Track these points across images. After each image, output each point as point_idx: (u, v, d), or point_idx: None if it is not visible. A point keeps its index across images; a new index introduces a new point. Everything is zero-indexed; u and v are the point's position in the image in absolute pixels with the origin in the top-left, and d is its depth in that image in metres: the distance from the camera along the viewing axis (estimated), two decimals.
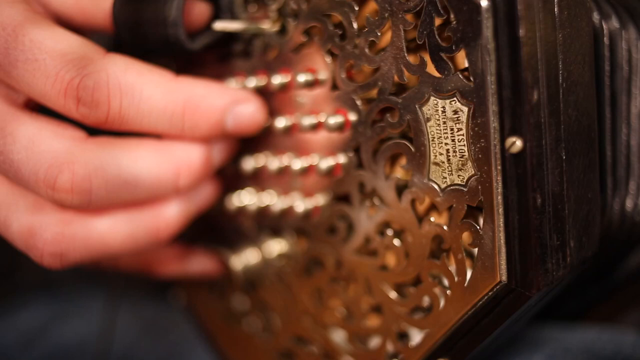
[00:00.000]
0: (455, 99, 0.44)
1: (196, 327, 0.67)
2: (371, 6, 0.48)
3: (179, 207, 0.52)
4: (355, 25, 0.48)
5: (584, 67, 0.46)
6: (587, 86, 0.46)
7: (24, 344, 0.75)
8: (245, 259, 0.56)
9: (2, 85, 0.50)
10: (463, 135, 0.44)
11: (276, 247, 0.56)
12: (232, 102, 0.50)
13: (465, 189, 0.45)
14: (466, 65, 0.44)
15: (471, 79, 0.43)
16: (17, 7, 0.49)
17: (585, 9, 0.46)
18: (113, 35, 0.55)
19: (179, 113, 0.49)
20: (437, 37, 0.44)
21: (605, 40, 0.51)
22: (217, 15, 0.53)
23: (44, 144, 0.48)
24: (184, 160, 0.50)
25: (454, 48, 0.43)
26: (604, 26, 0.51)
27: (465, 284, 0.46)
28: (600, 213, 0.50)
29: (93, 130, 0.49)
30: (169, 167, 0.50)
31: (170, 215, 0.52)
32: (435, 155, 0.46)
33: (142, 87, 0.48)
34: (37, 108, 0.51)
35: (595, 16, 0.51)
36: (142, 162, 0.49)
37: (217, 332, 0.64)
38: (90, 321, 0.74)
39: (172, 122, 0.50)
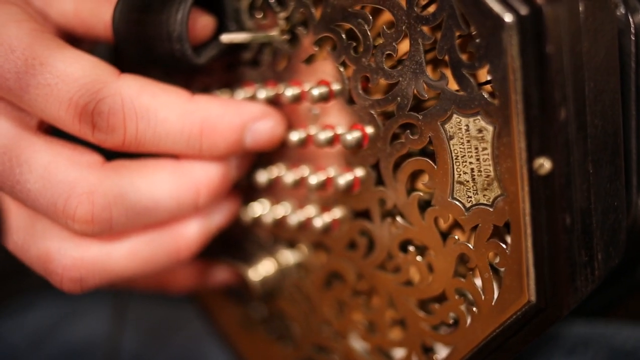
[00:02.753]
0: (479, 117, 0.42)
1: (212, 329, 0.66)
2: (386, 16, 0.46)
3: (199, 226, 0.51)
4: (370, 38, 0.46)
5: (609, 72, 0.44)
6: (613, 92, 0.45)
7: (32, 344, 0.74)
8: (263, 271, 0.55)
9: (14, 108, 0.48)
10: (488, 154, 0.43)
11: (293, 258, 0.55)
12: (250, 119, 0.49)
13: (491, 209, 0.43)
14: (488, 78, 0.42)
15: (495, 96, 0.41)
16: (24, 27, 0.47)
17: (608, 10, 0.44)
18: (114, 48, 0.53)
19: (196, 134, 0.48)
20: (458, 52, 0.42)
21: (632, 36, 0.49)
22: (222, 25, 0.51)
23: (60, 173, 0.47)
24: (202, 179, 0.49)
25: (476, 65, 0.41)
26: (631, 21, 0.49)
27: (493, 303, 0.45)
28: (626, 214, 0.49)
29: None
30: (188, 188, 0.49)
31: (191, 234, 0.51)
32: (459, 174, 0.44)
33: (157, 109, 0.47)
34: (49, 129, 0.50)
35: (621, 10, 0.48)
36: (162, 185, 0.48)
37: (235, 337, 0.64)
38: (99, 321, 0.74)
39: (190, 143, 0.48)
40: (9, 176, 0.47)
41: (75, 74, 0.46)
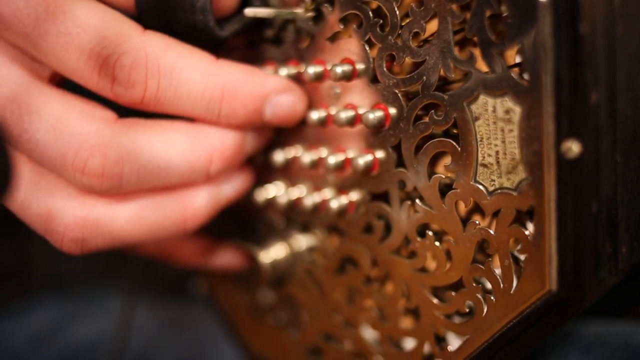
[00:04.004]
0: (506, 98, 0.41)
1: (218, 318, 0.65)
2: None
3: (208, 196, 0.49)
4: (398, 15, 0.45)
5: None
6: None
7: (35, 344, 0.72)
8: (274, 254, 0.54)
9: (27, 58, 0.47)
10: (514, 136, 0.41)
11: (306, 242, 0.54)
12: (273, 90, 0.48)
13: (515, 193, 0.42)
14: (517, 61, 0.41)
15: (525, 77, 0.40)
16: None
17: None
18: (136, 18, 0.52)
19: (217, 98, 0.47)
20: (488, 32, 0.41)
21: None
22: (246, 2, 0.50)
23: (72, 125, 0.45)
24: (217, 145, 0.48)
25: (507, 44, 0.40)
26: None
27: (512, 291, 0.44)
28: None
29: (121, 108, 0.47)
30: (202, 152, 0.48)
31: (199, 204, 0.49)
32: (484, 157, 0.43)
33: (182, 69, 0.46)
34: (61, 83, 0.48)
35: None
36: (176, 146, 0.47)
37: (241, 324, 0.62)
38: (103, 320, 0.72)
39: (209, 107, 0.47)
40: (17, 125, 0.45)
41: (98, 25, 0.45)
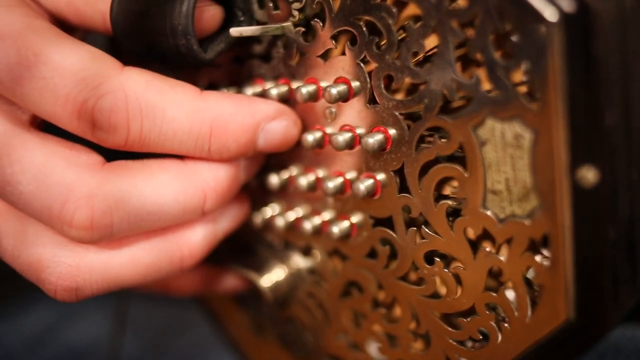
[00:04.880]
0: (515, 122, 0.39)
1: (219, 334, 0.63)
2: (411, 9, 0.42)
3: (204, 232, 0.47)
4: (394, 33, 0.42)
5: None
6: None
7: (29, 346, 0.71)
8: (274, 277, 0.52)
9: (6, 103, 0.44)
10: (525, 163, 0.39)
11: (306, 265, 0.52)
12: (264, 118, 0.45)
13: (527, 222, 0.40)
14: (524, 81, 0.39)
15: (534, 100, 0.38)
16: (15, 12, 0.43)
17: None
18: (113, 40, 0.49)
19: (205, 134, 0.44)
20: (493, 52, 0.38)
21: None
22: (230, 15, 0.47)
23: (56, 175, 0.43)
24: (209, 182, 0.45)
25: (514, 66, 0.38)
26: None
27: (527, 320, 0.42)
28: None
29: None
30: (195, 191, 0.45)
31: (195, 241, 0.47)
32: (492, 183, 0.41)
33: (165, 107, 0.43)
34: (45, 124, 0.46)
35: None
36: (166, 188, 0.44)
37: (244, 342, 0.60)
38: (98, 323, 0.70)
39: (198, 144, 0.44)
40: (0, 176, 0.43)
41: (73, 67, 0.42)
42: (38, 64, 0.42)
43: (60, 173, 0.43)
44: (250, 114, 0.45)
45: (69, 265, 0.45)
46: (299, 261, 0.52)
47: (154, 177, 0.44)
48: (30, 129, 0.45)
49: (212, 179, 0.46)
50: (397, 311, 0.49)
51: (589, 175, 0.37)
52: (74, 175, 0.43)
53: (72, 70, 0.42)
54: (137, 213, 0.44)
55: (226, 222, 0.49)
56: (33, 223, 0.45)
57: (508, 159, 0.40)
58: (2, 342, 0.72)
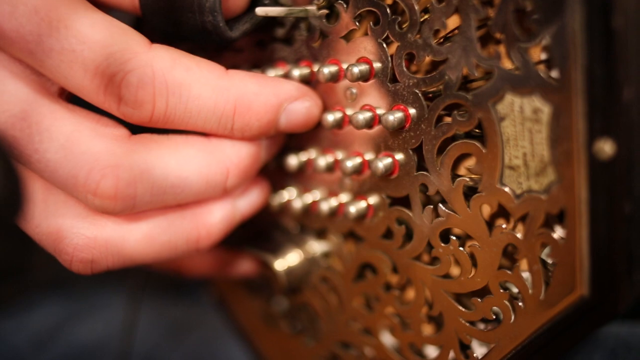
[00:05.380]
0: (534, 97, 0.40)
1: (228, 324, 0.63)
2: None
3: (222, 214, 0.48)
4: (417, 12, 0.43)
5: None
6: None
7: (36, 344, 0.70)
8: (289, 261, 0.52)
9: (35, 73, 0.45)
10: (543, 137, 0.40)
11: (321, 249, 0.52)
12: (287, 98, 0.46)
13: (544, 196, 0.40)
14: (544, 57, 0.39)
15: (554, 75, 0.39)
16: None
17: None
18: (141, 19, 0.50)
19: (229, 112, 0.45)
20: (514, 28, 0.39)
21: None
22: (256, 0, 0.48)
23: (83, 144, 0.43)
24: (233, 159, 0.46)
25: (533, 41, 0.39)
26: None
27: (541, 297, 0.42)
28: None
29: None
30: (218, 167, 0.46)
31: (213, 222, 0.47)
32: (510, 159, 0.41)
33: (191, 84, 0.44)
34: (72, 96, 0.46)
35: None
36: (191, 162, 0.45)
37: (254, 331, 0.61)
38: (106, 321, 0.70)
39: (222, 122, 0.45)
40: (27, 144, 0.44)
41: (103, 41, 0.43)
42: (69, 36, 0.43)
43: (88, 142, 0.44)
44: (273, 94, 0.45)
45: (87, 237, 0.46)
46: (315, 245, 0.53)
47: (179, 150, 0.45)
48: (59, 100, 0.45)
49: (235, 156, 0.46)
50: (410, 294, 0.49)
51: (606, 148, 0.38)
52: (100, 145, 0.44)
53: (101, 44, 0.43)
54: (160, 185, 0.44)
55: (245, 206, 0.49)
56: (55, 193, 0.46)
57: (526, 133, 0.40)
58: (10, 340, 0.71)
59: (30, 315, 0.73)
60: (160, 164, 0.44)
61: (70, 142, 0.44)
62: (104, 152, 0.43)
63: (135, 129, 0.46)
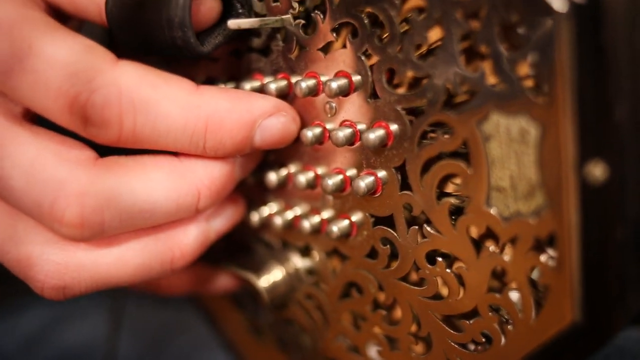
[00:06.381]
0: (520, 117, 0.37)
1: (216, 334, 0.62)
2: (414, 1, 0.41)
3: (196, 233, 0.46)
4: (397, 25, 0.41)
5: None
6: None
7: (24, 348, 0.70)
8: (272, 278, 0.51)
9: (1, 94, 0.43)
10: (530, 160, 0.38)
11: (305, 265, 0.50)
12: (261, 114, 0.44)
13: (532, 220, 0.39)
14: (531, 74, 0.37)
15: (540, 93, 0.36)
16: (9, 2, 0.42)
17: None
18: (109, 33, 0.48)
19: (200, 131, 0.43)
20: (499, 44, 0.37)
21: None
22: (228, 7, 0.46)
23: (47, 170, 0.42)
24: (204, 180, 0.44)
25: (520, 59, 0.37)
26: None
27: (531, 321, 0.41)
28: None
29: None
30: (188, 190, 0.44)
31: (187, 243, 0.46)
32: (497, 180, 0.39)
33: (159, 102, 0.42)
34: (38, 116, 0.45)
35: None
36: (160, 186, 0.43)
37: (241, 343, 0.59)
38: (94, 325, 0.69)
39: (193, 141, 0.43)
40: None
41: (65, 60, 0.40)
42: (31, 56, 0.41)
43: (51, 169, 0.42)
44: (246, 110, 0.43)
45: (57, 264, 0.44)
46: (298, 262, 0.51)
47: (147, 174, 0.43)
48: (23, 123, 0.44)
49: (206, 177, 0.44)
50: (398, 313, 0.47)
51: (597, 171, 0.36)
52: (65, 172, 0.42)
53: (64, 64, 0.41)
54: (129, 211, 0.43)
55: (219, 224, 0.48)
56: (23, 219, 0.44)
57: (513, 155, 0.38)
58: None
59: (18, 318, 0.72)
60: (128, 188, 0.42)
61: (34, 168, 0.42)
62: (69, 178, 0.42)
63: (105, 150, 0.44)
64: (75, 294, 0.45)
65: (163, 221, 0.44)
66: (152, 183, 0.43)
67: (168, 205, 0.44)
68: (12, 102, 0.44)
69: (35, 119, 0.45)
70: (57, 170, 0.42)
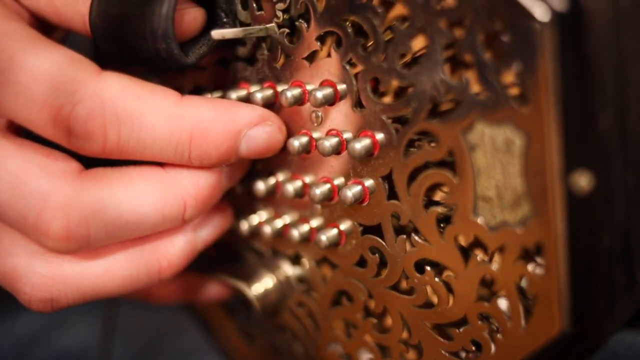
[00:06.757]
0: (505, 126, 0.37)
1: (209, 339, 0.62)
2: (398, 10, 0.40)
3: (183, 244, 0.46)
4: (381, 34, 0.40)
5: None
6: None
7: (19, 350, 0.70)
8: (262, 286, 0.50)
9: None
10: (516, 169, 0.37)
11: (295, 274, 0.50)
12: (246, 124, 0.43)
13: (519, 229, 0.38)
14: (515, 83, 0.37)
15: (525, 103, 0.36)
16: None
17: None
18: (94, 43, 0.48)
19: (185, 141, 0.42)
20: (483, 53, 0.37)
21: None
22: (213, 16, 0.45)
23: (32, 183, 0.41)
24: (190, 190, 0.44)
25: (504, 67, 0.36)
26: None
27: (520, 330, 0.40)
28: None
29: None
30: (174, 200, 0.44)
31: (174, 253, 0.46)
32: (483, 190, 0.39)
33: (143, 113, 0.41)
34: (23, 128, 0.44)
35: None
36: (145, 197, 0.43)
37: (233, 350, 0.59)
38: (88, 328, 0.69)
39: (178, 151, 0.43)
40: None
41: (48, 72, 0.40)
42: (13, 68, 0.40)
43: (36, 181, 0.42)
44: (231, 120, 0.43)
45: (44, 276, 0.44)
46: (288, 270, 0.51)
47: (133, 185, 0.43)
48: (7, 135, 0.43)
49: (192, 187, 0.44)
50: (389, 321, 0.47)
51: (583, 181, 0.36)
52: (49, 184, 0.41)
53: (47, 76, 0.40)
54: (115, 222, 0.42)
55: (207, 233, 0.48)
56: (9, 231, 0.44)
57: (498, 165, 0.38)
58: None
59: (12, 322, 0.72)
60: (113, 200, 0.42)
61: (18, 180, 0.42)
62: (53, 191, 0.41)
63: (91, 160, 0.44)
64: (62, 306, 0.45)
65: (149, 232, 0.44)
66: (137, 194, 0.43)
67: (154, 216, 0.43)
68: None
69: (20, 131, 0.45)
70: (41, 183, 0.42)
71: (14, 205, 0.42)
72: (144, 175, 0.43)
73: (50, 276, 0.44)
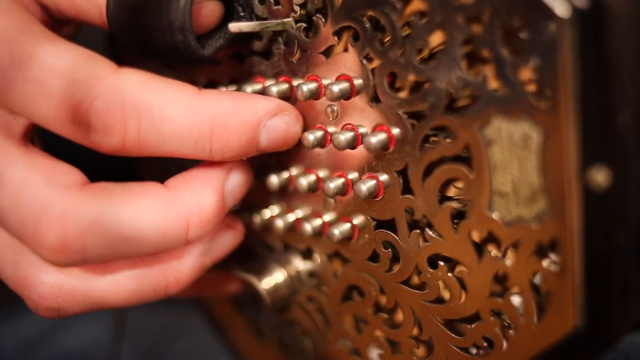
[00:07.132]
0: (523, 122, 0.37)
1: (218, 337, 0.62)
2: (416, 4, 0.41)
3: (191, 262, 0.46)
4: (398, 29, 0.40)
5: None
6: None
7: (24, 351, 0.69)
8: (273, 281, 0.51)
9: (1, 110, 0.43)
10: (533, 165, 0.38)
11: (306, 268, 0.50)
12: (265, 114, 0.43)
13: (534, 225, 0.38)
14: (533, 79, 0.37)
15: (543, 99, 0.36)
16: (11, 18, 0.42)
17: None
18: (110, 36, 0.48)
19: (206, 133, 0.42)
20: (501, 49, 0.37)
21: None
22: (230, 10, 0.46)
23: (33, 192, 0.41)
24: (193, 209, 0.43)
25: (522, 63, 0.36)
26: None
27: (533, 327, 0.40)
28: None
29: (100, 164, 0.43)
30: (177, 219, 0.43)
31: (182, 270, 0.46)
32: (498, 185, 0.39)
33: (163, 106, 0.41)
34: (38, 138, 0.45)
35: None
36: (146, 215, 0.42)
37: (244, 346, 0.59)
38: (95, 327, 0.69)
39: (199, 144, 0.42)
40: None
41: (67, 69, 0.40)
42: (32, 66, 0.40)
43: (37, 191, 0.41)
44: (250, 111, 0.43)
45: (51, 286, 0.44)
46: (299, 264, 0.51)
47: (134, 201, 0.42)
48: (19, 143, 0.43)
49: (195, 206, 0.44)
50: (399, 316, 0.47)
51: (600, 177, 0.36)
52: (50, 194, 0.41)
53: (66, 72, 0.40)
54: (112, 238, 0.41)
55: (216, 252, 0.48)
56: (17, 241, 0.44)
57: (515, 160, 0.38)
58: None
59: (20, 320, 0.72)
60: (113, 215, 0.41)
61: (21, 189, 0.41)
62: (52, 202, 0.41)
63: (102, 169, 0.44)
64: (69, 314, 0.46)
65: (152, 250, 0.43)
66: (138, 211, 0.42)
67: (154, 234, 0.42)
68: (15, 120, 0.43)
69: (34, 141, 0.45)
70: (42, 193, 0.41)
71: (15, 214, 0.41)
72: (146, 192, 0.43)
73: (57, 287, 0.44)
